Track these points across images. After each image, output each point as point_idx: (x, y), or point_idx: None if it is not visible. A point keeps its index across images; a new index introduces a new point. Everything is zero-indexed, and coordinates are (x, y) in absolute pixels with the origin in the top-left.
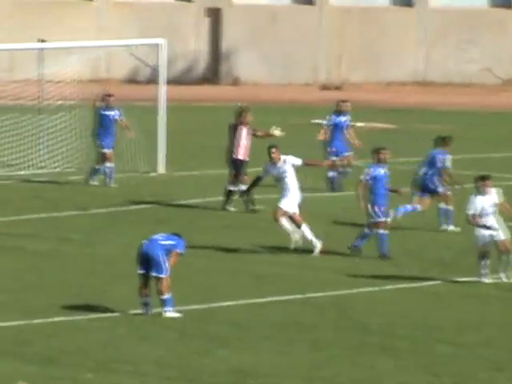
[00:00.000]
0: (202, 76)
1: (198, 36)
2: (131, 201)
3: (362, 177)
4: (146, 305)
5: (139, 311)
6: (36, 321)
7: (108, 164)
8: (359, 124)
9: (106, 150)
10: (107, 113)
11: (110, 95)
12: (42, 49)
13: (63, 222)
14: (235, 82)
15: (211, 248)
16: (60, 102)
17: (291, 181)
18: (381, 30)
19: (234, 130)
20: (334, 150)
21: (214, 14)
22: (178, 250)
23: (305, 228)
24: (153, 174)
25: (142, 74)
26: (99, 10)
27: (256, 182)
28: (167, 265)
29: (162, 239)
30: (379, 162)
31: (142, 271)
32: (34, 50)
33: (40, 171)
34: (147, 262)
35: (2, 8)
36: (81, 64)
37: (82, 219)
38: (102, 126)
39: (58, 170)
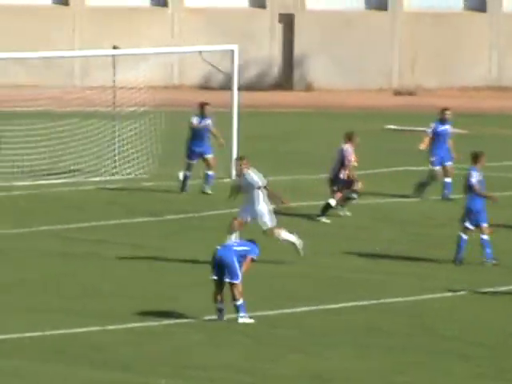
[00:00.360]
0: (275, 82)
1: (272, 42)
2: (205, 207)
3: (473, 179)
4: (220, 311)
5: (213, 317)
6: (110, 327)
7: (207, 172)
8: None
9: (203, 157)
10: (202, 123)
11: (206, 103)
12: (116, 55)
13: (136, 228)
14: (308, 87)
15: (286, 253)
16: (133, 108)
17: (256, 193)
18: (454, 34)
19: (341, 151)
20: (436, 158)
21: (288, 20)
22: (252, 256)
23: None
24: (226, 180)
25: (214, 80)
26: (173, 17)
27: (235, 190)
28: (240, 271)
29: (236, 245)
30: (478, 166)
31: (216, 277)
32: (108, 57)
33: (114, 177)
34: (221, 268)
35: (78, 14)
36: (154, 70)
37: (156, 225)
38: (195, 135)
39: (131, 176)
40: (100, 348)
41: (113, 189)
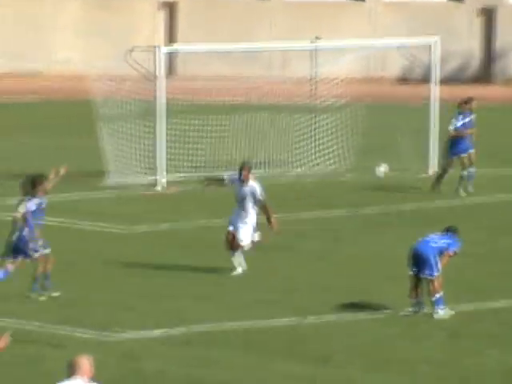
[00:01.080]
0: (475, 76)
1: (470, 35)
2: (403, 200)
3: None
4: (417, 305)
5: (410, 311)
6: (309, 320)
7: (469, 169)
8: None
9: (459, 156)
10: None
11: (471, 99)
12: (316, 48)
13: (334, 221)
14: (508, 81)
15: (485, 248)
16: (332, 101)
17: (249, 205)
18: None
19: None
20: None
21: (487, 14)
22: (453, 250)
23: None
24: (423, 175)
25: (414, 73)
26: (371, 10)
27: (219, 181)
28: (439, 265)
29: (436, 239)
30: None
31: (413, 272)
32: (308, 49)
33: (313, 170)
34: (419, 262)
35: (278, 8)
36: (353, 63)
37: (353, 219)
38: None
39: (330, 168)
40: (299, 340)
41: (311, 181)
